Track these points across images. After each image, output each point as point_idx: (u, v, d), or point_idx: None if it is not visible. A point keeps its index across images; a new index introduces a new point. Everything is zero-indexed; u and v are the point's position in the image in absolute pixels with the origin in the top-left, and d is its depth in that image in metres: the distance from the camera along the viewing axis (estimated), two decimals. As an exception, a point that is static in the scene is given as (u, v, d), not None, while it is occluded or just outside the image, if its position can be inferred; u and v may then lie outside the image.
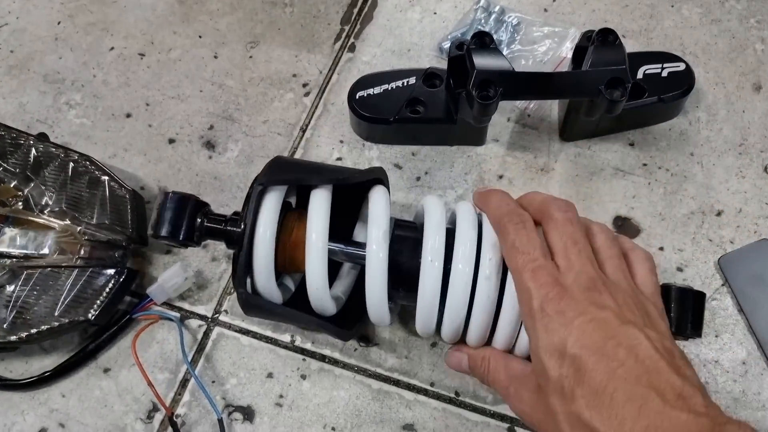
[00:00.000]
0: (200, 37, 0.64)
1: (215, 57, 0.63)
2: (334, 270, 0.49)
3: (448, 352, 0.45)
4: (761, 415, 0.47)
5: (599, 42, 0.50)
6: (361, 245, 0.44)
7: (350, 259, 0.46)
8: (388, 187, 0.47)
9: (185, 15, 0.65)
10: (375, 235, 0.42)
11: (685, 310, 0.44)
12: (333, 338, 0.50)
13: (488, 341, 0.43)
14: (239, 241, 0.42)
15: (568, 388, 0.34)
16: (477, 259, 0.41)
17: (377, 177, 0.46)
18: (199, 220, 0.45)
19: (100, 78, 0.63)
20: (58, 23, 0.66)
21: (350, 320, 0.47)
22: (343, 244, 0.45)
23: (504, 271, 0.41)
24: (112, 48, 0.64)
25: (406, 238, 0.44)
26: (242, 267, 0.42)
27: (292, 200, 0.48)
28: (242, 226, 0.42)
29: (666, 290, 0.44)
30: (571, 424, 0.34)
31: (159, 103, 0.61)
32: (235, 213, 0.45)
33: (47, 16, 0.66)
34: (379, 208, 0.43)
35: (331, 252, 0.43)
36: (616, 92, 0.49)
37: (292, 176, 0.45)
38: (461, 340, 0.44)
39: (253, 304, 0.43)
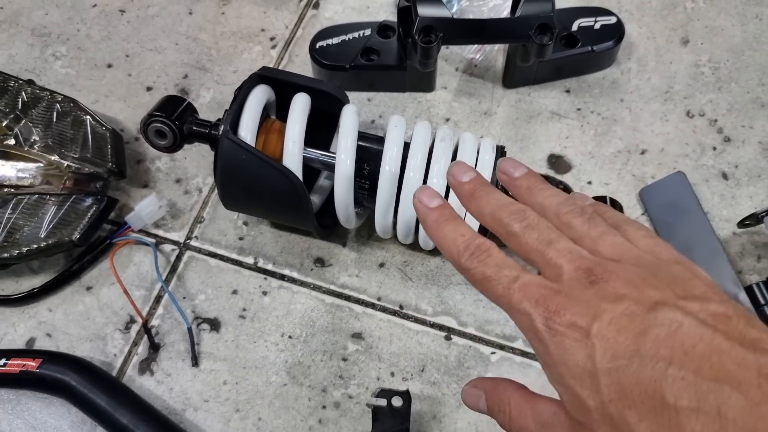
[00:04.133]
0: (177, -5, 0.70)
1: (190, 13, 0.69)
2: (312, 180, 0.56)
3: (464, 388, 0.35)
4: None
5: (531, -7, 0.56)
6: (333, 154, 0.50)
7: (323, 165, 0.52)
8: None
9: (163, -25, 0.71)
10: (343, 145, 0.48)
11: None
12: (292, 260, 0.56)
13: None
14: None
15: (618, 416, 0.26)
16: (428, 170, 0.48)
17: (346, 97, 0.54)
18: (190, 118, 0.50)
19: (83, 32, 0.68)
20: (45, -18, 0.71)
21: (325, 227, 0.55)
22: (319, 150, 0.51)
23: None
24: (95, 5, 0.69)
25: (370, 149, 0.50)
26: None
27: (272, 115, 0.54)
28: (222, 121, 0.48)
29: None
30: None
31: (138, 54, 0.67)
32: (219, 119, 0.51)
33: (35, -25, 0.71)
34: (348, 122, 0.49)
35: (308, 159, 0.50)
36: (545, 37, 0.54)
37: (279, 76, 0.52)
38: (415, 245, 0.53)
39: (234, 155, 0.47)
